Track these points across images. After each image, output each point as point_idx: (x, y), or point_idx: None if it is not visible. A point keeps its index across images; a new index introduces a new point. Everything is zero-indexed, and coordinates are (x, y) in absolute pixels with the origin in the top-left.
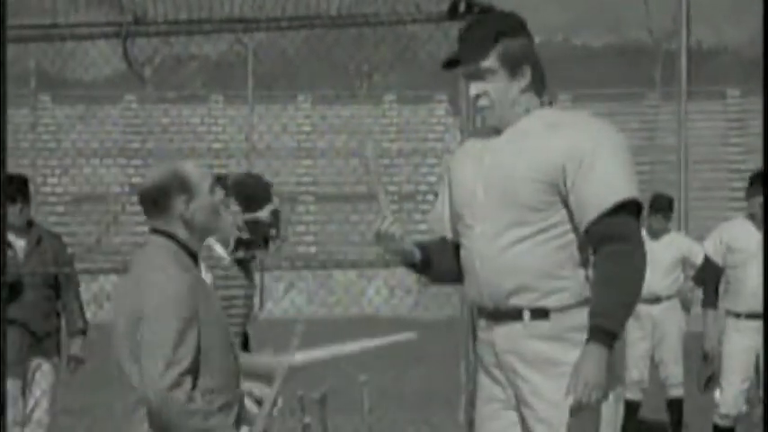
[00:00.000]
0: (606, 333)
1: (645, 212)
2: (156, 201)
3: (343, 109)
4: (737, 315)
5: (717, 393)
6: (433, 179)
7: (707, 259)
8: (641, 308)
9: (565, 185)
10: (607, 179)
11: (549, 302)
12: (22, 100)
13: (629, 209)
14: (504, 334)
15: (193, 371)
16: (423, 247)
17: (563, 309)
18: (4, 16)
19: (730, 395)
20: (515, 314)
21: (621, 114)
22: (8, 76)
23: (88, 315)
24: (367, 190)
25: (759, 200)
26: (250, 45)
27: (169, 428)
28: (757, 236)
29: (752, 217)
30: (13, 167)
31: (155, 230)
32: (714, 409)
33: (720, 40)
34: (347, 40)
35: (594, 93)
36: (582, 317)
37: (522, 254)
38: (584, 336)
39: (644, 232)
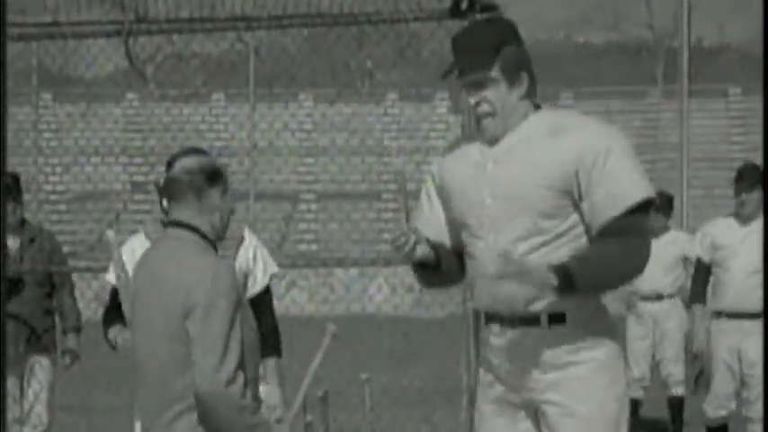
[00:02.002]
0: (567, 274)
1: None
2: (195, 188)
3: (344, 107)
4: (719, 314)
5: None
6: None
7: (697, 258)
8: (643, 305)
9: (579, 190)
10: (621, 180)
11: (565, 306)
12: (23, 98)
13: (641, 207)
14: (519, 339)
15: (241, 364)
16: (434, 248)
17: (579, 312)
18: (4, 15)
19: (718, 396)
20: (533, 319)
21: (623, 112)
22: (10, 73)
23: (89, 313)
24: (368, 188)
25: (743, 197)
26: (252, 43)
27: (220, 425)
28: (740, 233)
29: (736, 214)
30: (14, 166)
31: (176, 223)
32: (704, 410)
33: (722, 37)
34: (349, 38)
35: (596, 90)
36: (598, 319)
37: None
38: (601, 339)
39: None
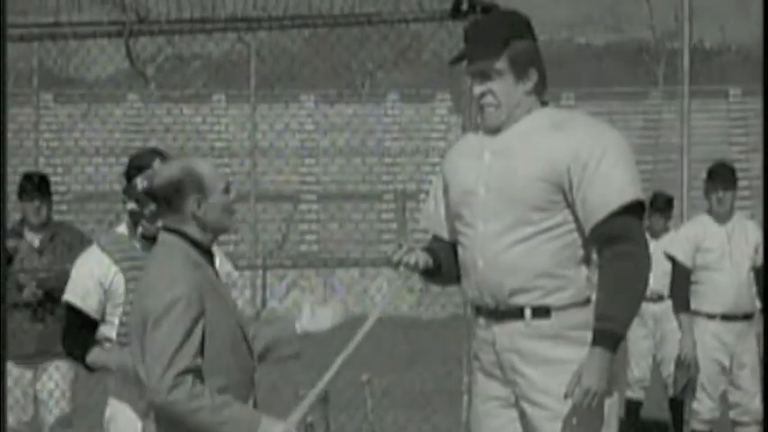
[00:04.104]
0: (612, 337)
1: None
2: (169, 199)
3: (345, 108)
4: (712, 316)
5: (694, 402)
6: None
7: (675, 263)
8: (643, 306)
9: (570, 186)
10: (612, 181)
11: (550, 301)
12: (24, 99)
13: (633, 210)
14: (504, 332)
15: (196, 369)
16: (431, 251)
17: (564, 307)
18: (5, 15)
19: (710, 400)
20: (517, 313)
21: (624, 113)
22: (10, 74)
23: None
24: (370, 189)
25: (720, 195)
26: (253, 44)
27: (180, 427)
28: (722, 233)
29: (710, 211)
30: (15, 167)
31: (167, 228)
32: (693, 415)
33: (723, 38)
34: (350, 38)
35: (597, 91)
36: (583, 315)
37: (525, 253)
38: (585, 334)
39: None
